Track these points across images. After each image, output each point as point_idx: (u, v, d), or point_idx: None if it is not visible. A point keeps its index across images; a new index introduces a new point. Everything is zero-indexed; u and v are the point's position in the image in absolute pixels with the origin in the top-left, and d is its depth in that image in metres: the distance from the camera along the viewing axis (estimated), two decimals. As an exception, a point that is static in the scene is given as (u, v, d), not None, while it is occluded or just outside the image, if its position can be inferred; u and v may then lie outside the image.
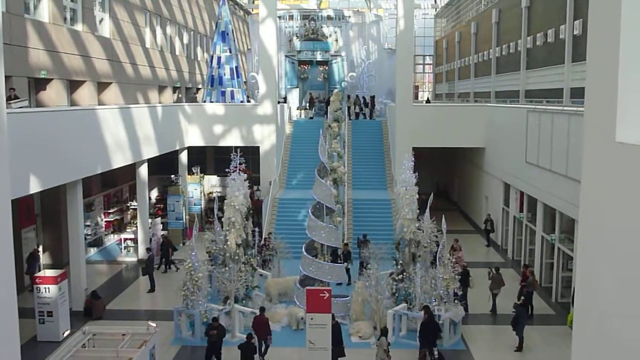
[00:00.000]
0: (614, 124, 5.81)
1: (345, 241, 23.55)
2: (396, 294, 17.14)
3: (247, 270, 17.91)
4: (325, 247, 17.46)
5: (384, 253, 17.31)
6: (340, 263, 18.66)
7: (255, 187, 27.21)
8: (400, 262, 17.35)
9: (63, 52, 22.35)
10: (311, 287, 15.90)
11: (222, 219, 17.86)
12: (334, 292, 17.42)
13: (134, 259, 23.70)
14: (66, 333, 15.71)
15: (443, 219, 16.70)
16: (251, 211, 19.49)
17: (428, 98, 55.44)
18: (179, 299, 16.46)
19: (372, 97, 35.11)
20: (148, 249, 21.85)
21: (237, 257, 17.55)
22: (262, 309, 15.15)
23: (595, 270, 6.12)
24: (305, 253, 17.15)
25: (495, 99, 39.59)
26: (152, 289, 19.85)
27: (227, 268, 16.99)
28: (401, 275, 17.03)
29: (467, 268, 19.50)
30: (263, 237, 23.69)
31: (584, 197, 6.47)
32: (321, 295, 13.89)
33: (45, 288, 15.37)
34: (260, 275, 20.12)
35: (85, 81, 24.48)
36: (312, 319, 13.56)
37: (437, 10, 61.77)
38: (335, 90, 32.51)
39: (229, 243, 17.39)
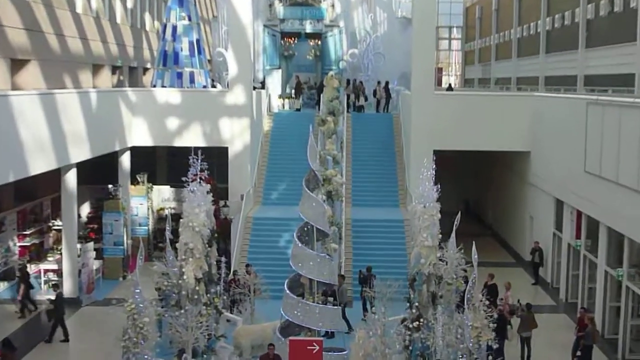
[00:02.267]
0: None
1: (342, 273, 23.74)
2: (410, 348, 17.23)
3: (210, 313, 17.99)
4: (315, 283, 17.55)
5: (394, 292, 17.16)
6: (335, 305, 18.74)
7: (222, 203, 27.39)
8: (416, 304, 17.41)
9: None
10: (296, 338, 15.93)
11: (177, 245, 17.99)
12: (327, 344, 17.45)
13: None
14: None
15: (474, 248, 16.83)
16: (216, 235, 19.62)
17: (450, 85, 54.69)
18: (117, 353, 16.54)
19: (387, 84, 35.23)
20: (55, 286, 21.88)
21: (196, 297, 17.60)
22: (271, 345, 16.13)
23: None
24: (288, 291, 17.25)
25: (545, 87, 39.80)
26: (65, 339, 20.05)
27: (182, 311, 17.07)
28: (417, 323, 17.15)
29: (506, 312, 19.74)
30: (232, 269, 23.87)
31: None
32: (309, 348, 13.97)
33: None
34: (228, 321, 20.19)
35: (-7, 57, 24.72)
36: None
37: (468, -33, 61.53)
38: (331, 73, 32.77)
39: (185, 277, 17.45)
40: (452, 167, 35.66)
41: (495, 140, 28.68)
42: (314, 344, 14.03)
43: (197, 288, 17.64)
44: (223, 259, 21.15)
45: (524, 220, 29.80)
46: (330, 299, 19.74)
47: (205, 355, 17.51)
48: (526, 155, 28.90)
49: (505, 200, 33.40)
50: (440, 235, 17.77)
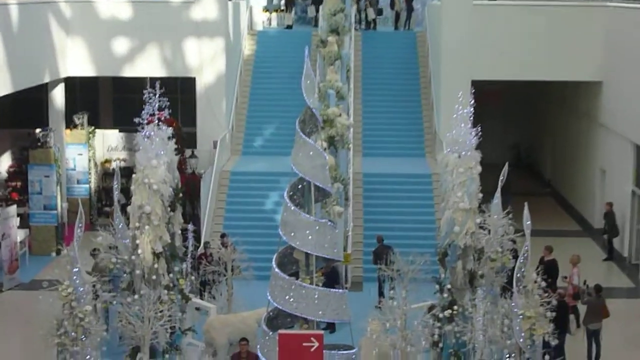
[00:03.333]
0: None
1: (349, 248, 23.81)
2: (440, 345, 17.27)
3: (174, 300, 17.87)
4: (313, 259, 17.65)
5: (418, 271, 17.24)
6: (337, 287, 18.79)
7: (188, 152, 27.49)
8: (448, 286, 17.44)
9: None
10: (288, 331, 15.88)
11: (129, 209, 17.89)
12: (328, 339, 17.39)
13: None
14: None
15: (526, 211, 16.74)
16: (181, 195, 19.56)
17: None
18: (49, 352, 16.58)
19: None
20: None
21: (155, 278, 17.53)
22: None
23: None
24: (277, 270, 17.21)
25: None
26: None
27: (136, 297, 17.05)
28: (449, 311, 17.15)
29: (569, 297, 19.73)
30: (202, 241, 23.91)
31: None
32: (306, 344, 13.92)
33: None
34: (198, 309, 20.22)
35: None
36: None
37: None
38: (334, -24, 32.56)
39: (140, 252, 17.42)
40: (497, 103, 35.63)
41: (555, 68, 28.56)
42: (312, 339, 13.99)
43: (155, 266, 17.48)
44: (190, 227, 21.10)
45: (593, 174, 29.84)
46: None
47: (167, 355, 17.33)
48: (596, 87, 28.85)
49: (567, 147, 33.37)
50: (481, 195, 17.69)
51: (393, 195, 26.65)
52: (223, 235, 22.47)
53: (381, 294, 21.51)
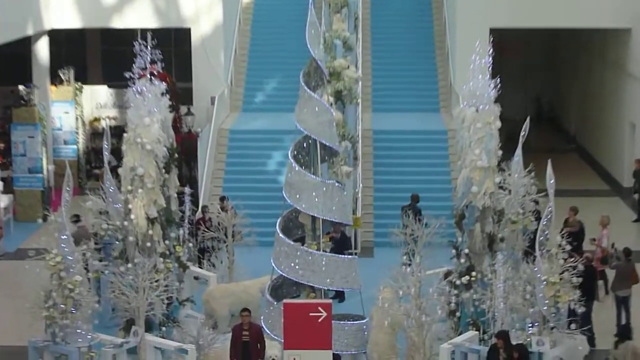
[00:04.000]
0: None
1: (359, 212, 23.85)
2: (457, 314, 17.43)
3: (170, 268, 18.07)
4: (319, 222, 17.61)
5: (433, 235, 17.25)
6: (346, 253, 18.86)
7: (183, 110, 27.54)
8: (466, 251, 17.51)
9: None
10: (293, 300, 15.93)
11: (120, 171, 17.94)
12: (337, 309, 17.48)
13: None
14: None
15: (549, 169, 16.71)
16: (177, 156, 19.60)
17: None
18: (37, 325, 16.57)
19: None
20: None
21: (149, 245, 17.65)
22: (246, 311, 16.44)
23: None
24: (281, 235, 17.23)
25: None
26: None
27: (130, 265, 17.14)
28: (467, 278, 17.26)
29: (596, 261, 19.68)
30: (200, 204, 24.02)
31: None
32: (312, 314, 13.91)
33: None
34: (196, 278, 20.33)
35: None
36: None
37: None
38: None
39: (133, 217, 17.48)
40: (518, 53, 35.38)
41: (580, 14, 28.27)
42: (319, 308, 13.97)
43: (150, 232, 17.59)
44: (187, 190, 21.14)
45: (622, 128, 29.70)
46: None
47: (164, 328, 17.47)
48: (625, 35, 28.67)
49: (594, 100, 33.18)
50: (501, 152, 17.69)
51: (405, 154, 26.62)
52: (222, 199, 22.47)
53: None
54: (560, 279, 15.87)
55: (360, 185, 24.99)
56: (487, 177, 17.20)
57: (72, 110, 28.40)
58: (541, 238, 16.10)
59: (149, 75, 18.24)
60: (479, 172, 17.18)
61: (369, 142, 26.69)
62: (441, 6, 31.55)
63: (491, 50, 17.85)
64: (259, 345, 16.10)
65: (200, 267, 20.86)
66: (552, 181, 16.49)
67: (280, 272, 17.16)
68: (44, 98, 27.35)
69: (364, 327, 17.13)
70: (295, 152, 17.43)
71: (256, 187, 25.22)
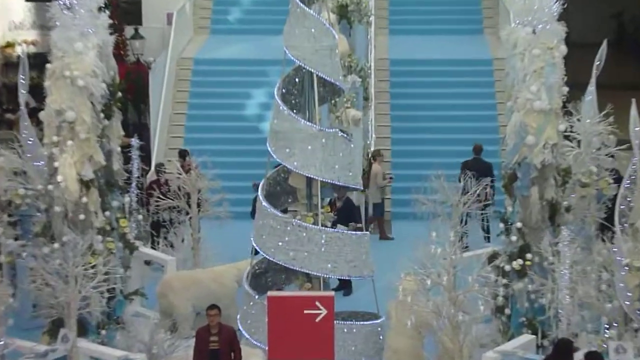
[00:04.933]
0: None
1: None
2: (507, 310, 17.64)
3: (112, 250, 18.04)
4: (317, 186, 17.61)
5: (473, 204, 17.52)
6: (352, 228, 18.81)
7: (130, 31, 27.79)
8: (518, 225, 17.54)
9: None
10: (281, 293, 15.91)
11: (42, 116, 17.80)
12: (341, 304, 17.47)
13: None
14: None
15: (634, 111, 16.59)
16: (120, 94, 19.46)
17: None
18: None
19: None
20: None
21: (83, 218, 17.58)
22: None
23: None
24: (265, 204, 17.29)
25: None
26: None
27: (56, 246, 17.17)
28: (520, 262, 17.28)
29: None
30: (153, 161, 24.24)
31: None
32: (308, 312, 13.81)
33: None
34: (148, 263, 20.58)
35: None
36: None
37: None
38: None
39: (60, 180, 17.36)
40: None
41: None
42: (317, 303, 13.80)
43: (84, 200, 17.48)
44: (135, 141, 21.19)
45: None
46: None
47: (104, 331, 17.49)
48: None
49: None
50: (567, 89, 17.68)
51: (434, 93, 26.84)
52: (183, 154, 22.55)
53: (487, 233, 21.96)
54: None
55: (373, 135, 25.10)
56: (548, 123, 17.13)
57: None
58: (622, 207, 16.08)
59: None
60: (537, 116, 17.12)
61: (385, 76, 26.83)
62: None
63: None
64: (232, 354, 16.02)
65: (154, 248, 21.04)
66: (637, 128, 16.39)
67: (264, 254, 17.20)
68: None
69: (379, 329, 17.17)
70: (284, 91, 17.45)
71: (230, 139, 25.39)
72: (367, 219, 23.62)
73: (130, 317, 18.50)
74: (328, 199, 18.96)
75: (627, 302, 15.60)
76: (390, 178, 23.59)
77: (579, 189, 17.56)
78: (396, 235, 23.44)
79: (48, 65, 17.76)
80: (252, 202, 20.68)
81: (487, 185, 18.73)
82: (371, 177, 23.57)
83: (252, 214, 18.95)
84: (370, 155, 23.89)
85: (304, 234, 16.80)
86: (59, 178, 17.29)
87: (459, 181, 19.43)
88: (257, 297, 17.04)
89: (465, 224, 19.46)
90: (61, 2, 17.81)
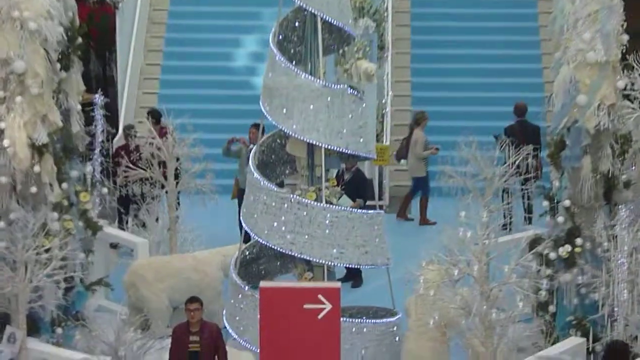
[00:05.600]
0: None
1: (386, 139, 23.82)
2: (551, 307, 17.71)
3: (71, 230, 18.01)
4: (321, 156, 17.66)
5: (511, 176, 17.51)
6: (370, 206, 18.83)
7: None
8: (566, 203, 17.61)
9: None
10: (276, 284, 15.80)
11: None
12: (349, 298, 17.65)
13: None
14: None
15: None
16: (80, 41, 19.36)
17: None
18: None
19: None
20: None
21: (35, 191, 17.57)
22: None
23: None
24: (257, 176, 17.31)
25: None
26: None
27: (2, 225, 17.12)
28: (568, 248, 17.33)
29: None
30: (121, 124, 24.30)
31: None
32: (309, 307, 13.85)
33: None
34: (115, 247, 20.80)
35: None
36: None
37: None
38: None
39: (7, 145, 17.28)
40: None
41: None
42: (320, 297, 13.84)
43: (36, 169, 17.48)
44: (99, 98, 21.14)
45: None
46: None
47: (60, 328, 17.44)
48: None
49: None
50: (627, 38, 17.72)
51: (464, 41, 26.98)
52: (157, 115, 22.66)
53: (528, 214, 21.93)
54: None
55: (390, 93, 25.08)
56: (604, 79, 17.19)
57: None
58: None
59: None
60: (590, 70, 17.17)
61: (405, 21, 26.91)
62: None
63: None
64: (216, 358, 16.10)
65: (122, 229, 21.15)
66: None
67: (255, 237, 17.26)
68: None
69: (395, 328, 17.26)
70: (281, 37, 17.49)
71: (214, 96, 25.51)
72: (412, 194, 23.96)
73: (92, 312, 18.54)
74: (336, 170, 18.93)
75: None
76: (436, 149, 23.43)
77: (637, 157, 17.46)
78: (417, 216, 23.52)
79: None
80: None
81: (529, 154, 18.64)
82: (411, 145, 23.69)
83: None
84: (412, 119, 23.70)
85: (305, 213, 16.82)
86: (5, 142, 17.20)
87: (501, 149, 19.42)
88: (246, 288, 17.06)
89: (502, 202, 19.55)
90: None
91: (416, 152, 23.51)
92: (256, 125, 20.59)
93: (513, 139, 20.03)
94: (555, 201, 17.73)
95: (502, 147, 18.77)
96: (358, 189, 20.54)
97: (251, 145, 20.83)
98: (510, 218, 20.78)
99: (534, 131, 22.49)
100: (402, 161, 23.72)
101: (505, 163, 18.12)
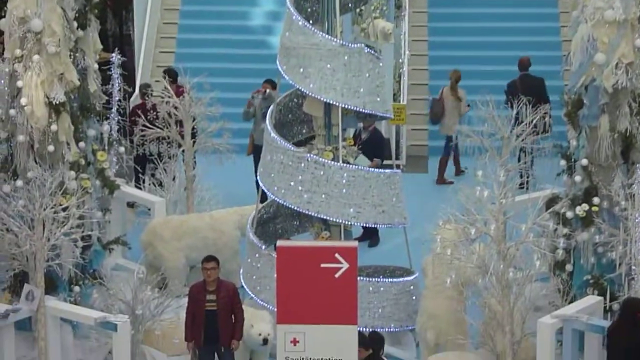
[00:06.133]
0: None
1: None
2: (568, 266, 17.70)
3: (88, 189, 18.07)
4: (338, 114, 17.54)
5: (529, 135, 17.49)
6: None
7: None
8: (584, 162, 17.49)
9: None
10: (292, 243, 15.99)
11: (2, 25, 17.72)
12: (366, 256, 17.69)
13: None
14: None
15: None
16: (98, 0, 19.26)
17: None
18: None
19: None
20: None
21: (52, 150, 17.55)
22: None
23: None
24: (274, 135, 17.33)
25: None
26: None
27: (19, 184, 17.22)
28: (585, 207, 17.29)
29: None
30: (138, 83, 24.25)
31: None
32: (326, 266, 13.87)
33: None
34: (132, 206, 20.86)
35: None
36: (296, 343, 13.86)
37: None
38: None
39: (25, 103, 17.25)
40: None
41: None
42: (337, 255, 13.87)
43: (53, 128, 17.52)
44: (116, 57, 21.00)
45: None
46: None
47: (77, 287, 17.55)
48: None
49: None
50: None
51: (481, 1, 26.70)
52: (174, 74, 22.65)
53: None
54: None
55: (408, 52, 25.02)
56: (623, 37, 17.07)
57: None
58: None
59: None
60: (609, 29, 17.06)
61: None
62: None
63: None
64: (233, 317, 16.14)
65: (139, 188, 21.12)
66: None
67: (272, 196, 17.31)
68: None
69: (412, 287, 17.34)
70: None
71: (231, 55, 25.42)
72: (448, 154, 24.07)
73: (109, 270, 18.64)
74: (353, 129, 18.92)
75: None
76: (468, 106, 23.32)
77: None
78: (434, 174, 23.57)
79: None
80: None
81: (545, 113, 18.64)
82: (449, 104, 23.53)
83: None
84: (451, 78, 23.48)
85: (322, 172, 16.85)
86: (23, 101, 17.25)
87: (507, 105, 19.31)
88: (263, 247, 17.16)
89: (519, 161, 19.56)
90: None
91: (461, 110, 23.44)
92: (268, 81, 20.64)
93: (514, 93, 19.96)
94: (573, 160, 17.66)
95: (508, 102, 18.66)
96: (375, 148, 20.50)
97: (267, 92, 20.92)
98: (528, 177, 20.72)
99: (536, 84, 22.37)
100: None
101: (517, 121, 18.10)
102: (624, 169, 17.26)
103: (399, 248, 17.59)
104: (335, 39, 16.97)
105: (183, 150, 21.10)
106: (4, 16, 17.60)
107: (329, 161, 17.02)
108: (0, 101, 17.97)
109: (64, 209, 16.65)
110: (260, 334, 16.28)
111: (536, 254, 16.16)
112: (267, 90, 21.14)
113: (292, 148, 17.08)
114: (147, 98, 22.06)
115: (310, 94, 17.08)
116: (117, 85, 20.82)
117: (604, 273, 17.05)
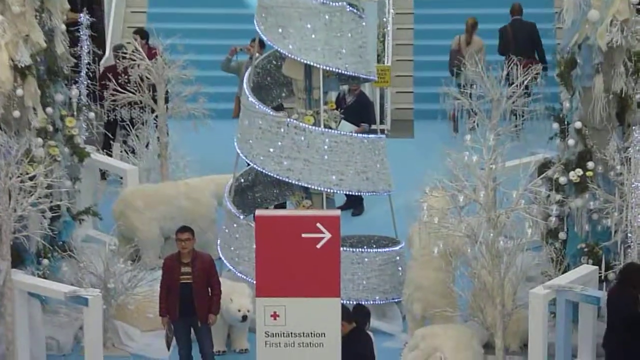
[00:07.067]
0: None
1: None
2: (561, 234, 17.70)
3: (56, 157, 17.98)
4: (319, 77, 17.46)
5: (520, 97, 17.50)
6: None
7: None
8: (577, 124, 17.46)
9: None
10: (271, 212, 16.06)
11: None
12: (349, 226, 17.57)
13: None
14: None
15: None
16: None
17: None
18: None
19: None
20: None
21: (18, 115, 17.48)
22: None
23: None
24: (252, 99, 17.27)
25: None
26: None
27: None
28: (579, 172, 17.28)
29: None
30: (108, 45, 24.20)
31: None
32: (307, 236, 13.76)
33: None
34: (104, 174, 20.92)
35: None
36: (276, 317, 13.83)
37: None
38: None
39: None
40: None
41: None
42: (319, 225, 13.78)
43: (19, 93, 17.41)
44: (84, 17, 20.97)
45: None
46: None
47: (45, 260, 17.52)
48: None
49: None
50: None
51: None
52: (145, 34, 22.57)
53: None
54: None
55: (392, 10, 24.99)
56: (618, -4, 17.09)
57: None
58: None
59: None
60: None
61: None
62: None
63: None
64: (209, 290, 16.07)
65: (110, 155, 21.08)
66: None
67: (250, 163, 17.31)
68: None
69: (397, 258, 17.35)
70: None
71: (206, 15, 25.41)
72: None
73: (79, 242, 18.60)
74: (334, 91, 18.83)
75: None
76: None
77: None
78: (419, 139, 23.45)
79: None
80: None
81: (537, 72, 18.52)
82: (467, 55, 23.07)
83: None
84: (468, 26, 23.53)
85: (302, 138, 16.84)
86: (-14, 65, 17.32)
87: (500, 52, 19.09)
88: (242, 217, 17.14)
89: (511, 123, 19.47)
90: None
91: (480, 59, 23.23)
92: (256, 40, 20.54)
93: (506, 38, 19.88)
94: (566, 123, 17.65)
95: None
96: (362, 113, 20.46)
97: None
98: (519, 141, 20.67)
99: (527, 29, 22.34)
100: None
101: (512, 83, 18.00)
102: (619, 131, 17.26)
103: (384, 217, 17.53)
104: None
105: (156, 116, 20.99)
106: None
107: (310, 126, 16.93)
108: None
109: (31, 178, 16.47)
110: (239, 310, 16.31)
111: (528, 221, 16.13)
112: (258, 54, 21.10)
113: (271, 112, 17.00)
114: (118, 61, 22.00)
115: (289, 55, 16.99)
116: (86, 47, 20.83)
117: (599, 241, 17.07)
